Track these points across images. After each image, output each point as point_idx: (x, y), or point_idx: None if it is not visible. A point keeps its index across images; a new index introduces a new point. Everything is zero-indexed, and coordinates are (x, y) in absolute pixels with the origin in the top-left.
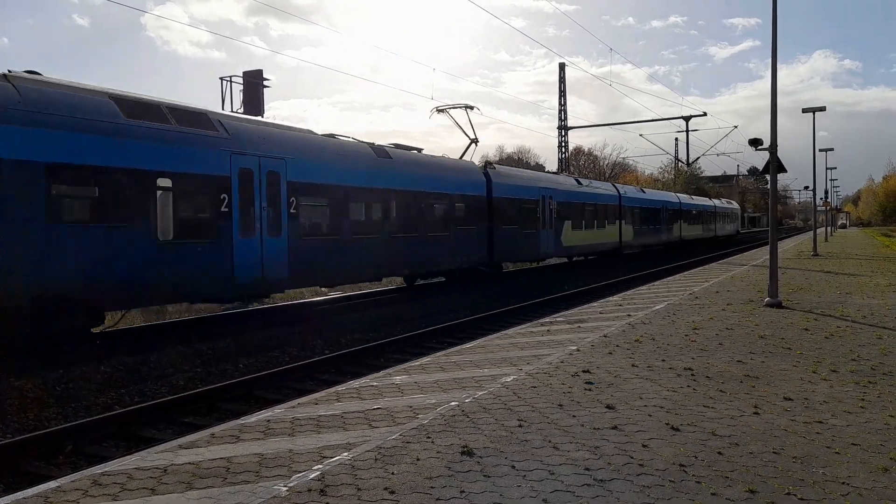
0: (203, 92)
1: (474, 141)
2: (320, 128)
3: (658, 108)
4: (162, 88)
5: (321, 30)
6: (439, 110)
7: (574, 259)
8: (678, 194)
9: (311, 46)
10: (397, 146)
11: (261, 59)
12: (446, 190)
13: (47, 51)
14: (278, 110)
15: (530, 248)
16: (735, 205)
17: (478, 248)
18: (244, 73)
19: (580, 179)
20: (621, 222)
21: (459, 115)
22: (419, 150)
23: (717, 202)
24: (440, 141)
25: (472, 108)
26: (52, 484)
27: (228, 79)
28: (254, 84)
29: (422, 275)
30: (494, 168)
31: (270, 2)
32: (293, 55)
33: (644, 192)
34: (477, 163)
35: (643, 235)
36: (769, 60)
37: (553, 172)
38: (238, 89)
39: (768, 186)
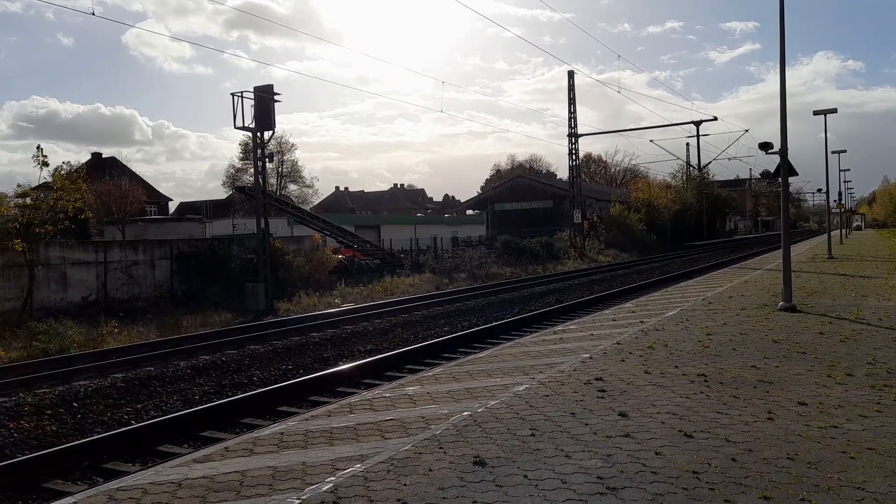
0: (197, 106)
1: None
2: (321, 139)
3: (662, 112)
4: (156, 105)
5: (304, 42)
6: None
7: None
8: None
9: (295, 60)
10: None
11: (248, 73)
12: None
13: (34, 69)
14: (282, 124)
15: None
16: None
17: None
18: (255, 88)
19: None
20: None
21: None
22: None
23: None
24: (444, 150)
25: None
26: (68, 500)
27: (240, 94)
28: (264, 99)
29: None
30: None
31: (251, 11)
32: (283, 67)
33: None
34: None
35: None
36: (770, 63)
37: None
38: (249, 104)
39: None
